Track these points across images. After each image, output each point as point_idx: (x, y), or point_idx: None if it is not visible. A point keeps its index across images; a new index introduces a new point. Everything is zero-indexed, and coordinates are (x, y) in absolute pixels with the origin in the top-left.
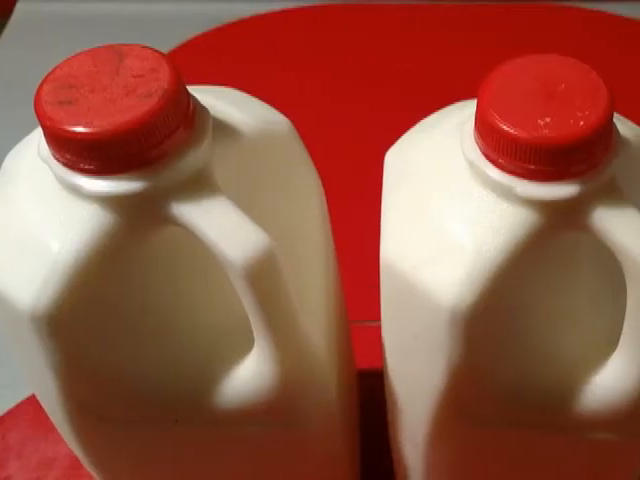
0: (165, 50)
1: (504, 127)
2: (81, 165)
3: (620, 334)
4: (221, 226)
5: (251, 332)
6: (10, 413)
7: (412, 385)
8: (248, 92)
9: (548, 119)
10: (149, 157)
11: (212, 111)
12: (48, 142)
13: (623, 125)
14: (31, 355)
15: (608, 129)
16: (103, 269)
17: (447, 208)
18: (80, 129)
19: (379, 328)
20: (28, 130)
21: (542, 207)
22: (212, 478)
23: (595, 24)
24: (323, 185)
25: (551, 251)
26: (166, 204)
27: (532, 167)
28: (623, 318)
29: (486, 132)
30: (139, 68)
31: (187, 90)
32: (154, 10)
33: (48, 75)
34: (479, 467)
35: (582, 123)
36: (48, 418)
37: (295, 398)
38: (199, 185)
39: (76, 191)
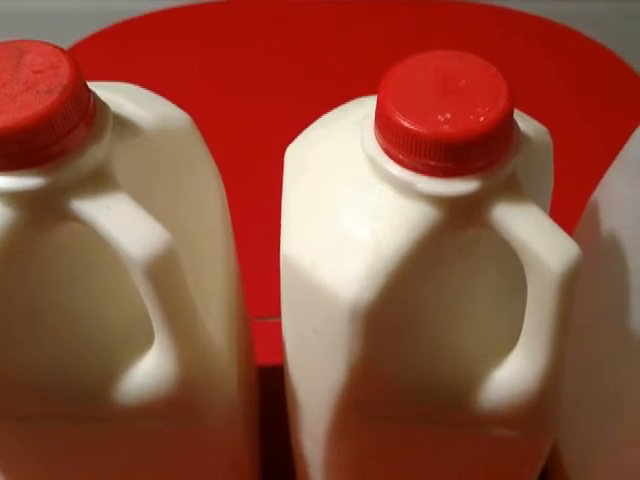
0: (66, 46)
1: (404, 123)
2: None
3: (521, 331)
4: (121, 222)
5: (152, 328)
6: None
7: (312, 381)
8: (148, 88)
9: (448, 115)
10: (49, 153)
11: (112, 107)
12: None
13: (524, 121)
14: None
15: (508, 125)
16: (3, 265)
17: (347, 204)
18: None
19: (280, 324)
20: None
21: (442, 203)
22: (114, 475)
23: (496, 21)
24: (223, 181)
25: (452, 247)
26: (66, 200)
27: (432, 163)
28: (524, 315)
29: (386, 128)
30: (39, 64)
31: (87, 86)
32: (55, 6)
33: None
34: (380, 462)
35: (482, 119)
36: None
37: (195, 394)
38: (99, 181)
39: None
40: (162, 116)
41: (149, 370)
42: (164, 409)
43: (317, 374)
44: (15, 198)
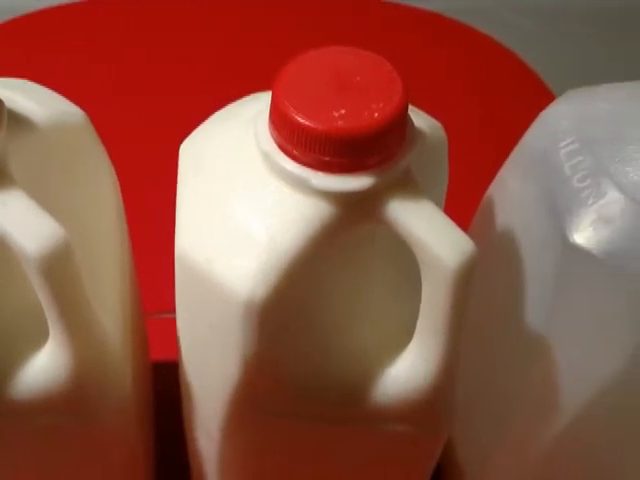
0: None
1: (298, 118)
2: None
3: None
4: (16, 218)
5: (47, 323)
6: None
7: (207, 377)
8: (43, 84)
9: (343, 111)
10: None
11: (6, 103)
12: None
13: (418, 117)
14: None
15: (403, 121)
16: None
17: (241, 200)
18: None
19: (175, 320)
20: None
21: (337, 199)
22: (12, 472)
23: (391, 17)
24: (118, 177)
25: (347, 243)
26: None
27: (326, 159)
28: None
29: (280, 123)
30: None
31: None
32: None
33: None
34: (275, 458)
35: (377, 115)
36: None
37: (89, 390)
38: None
39: None
40: (57, 112)
41: (43, 365)
42: (58, 404)
43: (212, 370)
44: None
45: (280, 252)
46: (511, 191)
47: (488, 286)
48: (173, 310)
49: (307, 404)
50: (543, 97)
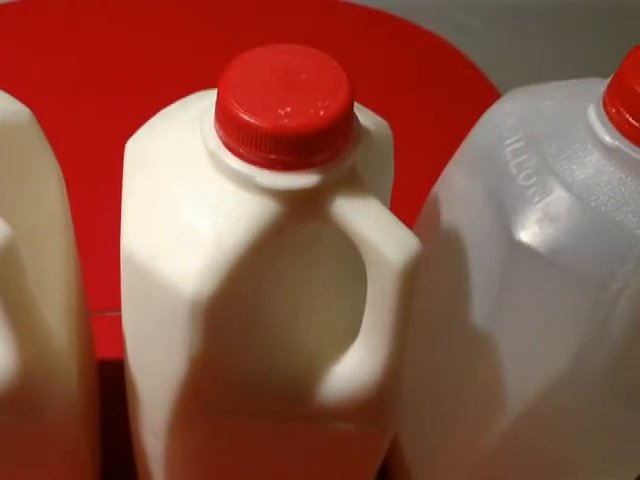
0: None
1: (244, 116)
2: None
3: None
4: None
5: None
6: None
7: (152, 375)
8: None
9: (289, 109)
10: None
11: None
12: None
13: (364, 115)
14: None
15: (348, 119)
16: None
17: (187, 198)
18: None
19: (121, 318)
20: None
21: (282, 197)
22: None
23: (337, 15)
24: (65, 175)
25: (293, 241)
26: None
27: (272, 157)
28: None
29: (226, 121)
30: None
31: None
32: None
33: None
34: (221, 456)
35: (322, 113)
36: None
37: (35, 388)
38: None
39: None
40: (2, 110)
41: None
42: (3, 403)
43: (157, 368)
44: None
45: (226, 250)
46: (456, 189)
47: (434, 284)
48: (119, 308)
49: (253, 402)
50: (488, 95)
